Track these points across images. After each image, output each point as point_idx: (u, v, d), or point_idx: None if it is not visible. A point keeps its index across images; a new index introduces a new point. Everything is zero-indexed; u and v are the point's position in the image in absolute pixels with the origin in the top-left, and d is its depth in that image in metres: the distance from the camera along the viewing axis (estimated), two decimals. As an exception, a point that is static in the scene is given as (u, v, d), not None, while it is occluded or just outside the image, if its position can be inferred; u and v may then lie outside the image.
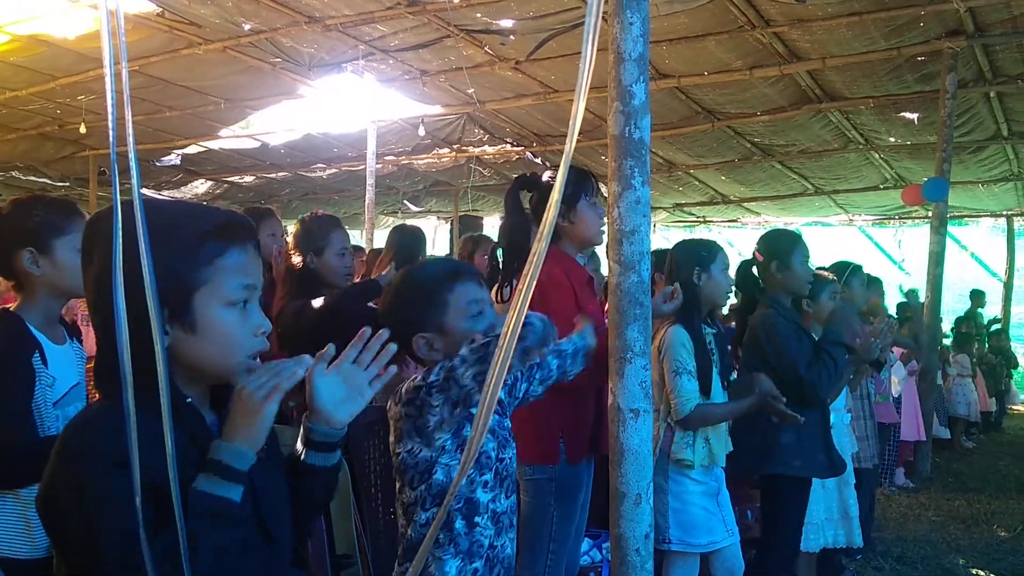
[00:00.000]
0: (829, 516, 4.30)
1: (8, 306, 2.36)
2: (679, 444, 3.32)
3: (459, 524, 1.97)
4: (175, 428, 1.23)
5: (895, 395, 6.59)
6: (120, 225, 1.19)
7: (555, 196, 1.28)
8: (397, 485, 2.03)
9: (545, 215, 1.28)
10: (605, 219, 3.04)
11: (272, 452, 1.48)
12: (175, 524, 1.21)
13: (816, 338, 3.78)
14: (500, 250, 3.40)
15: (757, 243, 3.84)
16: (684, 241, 3.76)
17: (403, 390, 1.97)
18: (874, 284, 5.81)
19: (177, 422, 1.24)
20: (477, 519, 1.99)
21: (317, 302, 3.42)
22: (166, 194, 12.72)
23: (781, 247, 3.74)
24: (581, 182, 3.08)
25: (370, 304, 3.51)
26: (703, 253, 3.45)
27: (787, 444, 3.59)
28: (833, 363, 3.57)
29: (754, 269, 3.84)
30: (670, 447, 3.34)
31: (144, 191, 1.31)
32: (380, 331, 1.52)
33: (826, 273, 4.26)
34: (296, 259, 3.56)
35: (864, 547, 4.72)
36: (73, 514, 1.24)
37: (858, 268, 4.89)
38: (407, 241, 4.68)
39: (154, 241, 1.25)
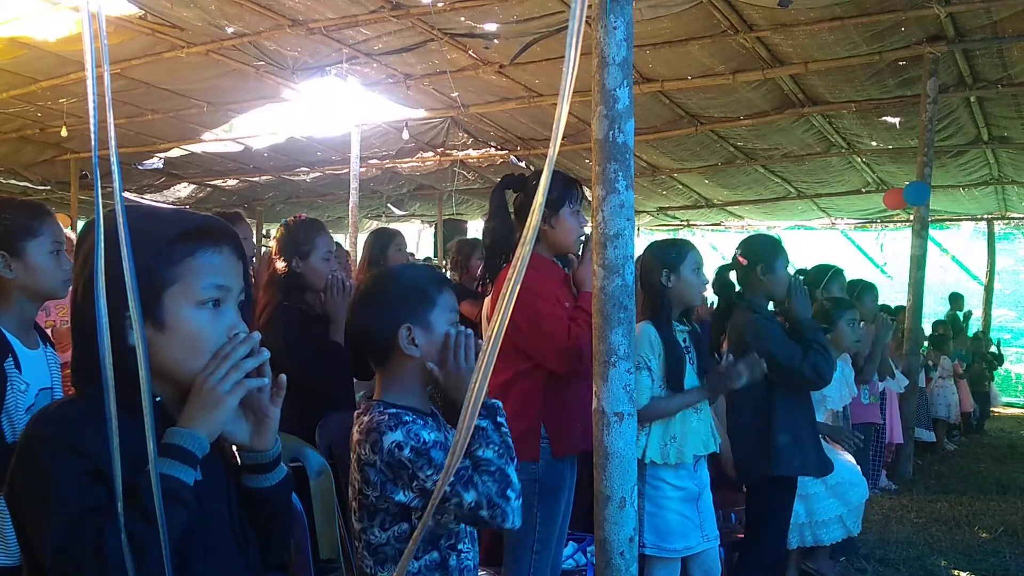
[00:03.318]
0: (810, 519, 4.32)
1: None
2: (640, 443, 3.24)
3: (452, 561, 1.99)
4: (144, 428, 1.24)
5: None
6: (102, 228, 1.18)
7: (539, 199, 1.28)
8: (357, 525, 1.97)
9: (529, 219, 1.28)
10: (586, 230, 3.05)
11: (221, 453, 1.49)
12: (129, 511, 1.22)
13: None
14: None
15: (739, 247, 3.81)
16: (654, 243, 3.70)
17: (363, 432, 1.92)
18: (869, 290, 5.77)
19: (141, 420, 1.23)
20: (461, 546, 2.02)
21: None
22: (148, 198, 12.64)
23: (766, 251, 3.74)
24: (567, 188, 3.08)
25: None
26: (671, 254, 3.39)
27: (783, 445, 3.59)
28: (821, 347, 3.59)
29: (732, 274, 3.81)
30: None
31: (126, 195, 1.31)
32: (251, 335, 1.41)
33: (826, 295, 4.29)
34: (280, 264, 3.53)
35: (847, 548, 4.74)
36: (29, 500, 1.27)
37: (839, 271, 4.90)
38: (374, 243, 4.95)
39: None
